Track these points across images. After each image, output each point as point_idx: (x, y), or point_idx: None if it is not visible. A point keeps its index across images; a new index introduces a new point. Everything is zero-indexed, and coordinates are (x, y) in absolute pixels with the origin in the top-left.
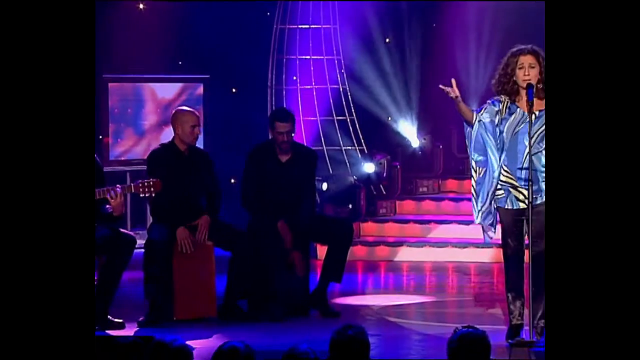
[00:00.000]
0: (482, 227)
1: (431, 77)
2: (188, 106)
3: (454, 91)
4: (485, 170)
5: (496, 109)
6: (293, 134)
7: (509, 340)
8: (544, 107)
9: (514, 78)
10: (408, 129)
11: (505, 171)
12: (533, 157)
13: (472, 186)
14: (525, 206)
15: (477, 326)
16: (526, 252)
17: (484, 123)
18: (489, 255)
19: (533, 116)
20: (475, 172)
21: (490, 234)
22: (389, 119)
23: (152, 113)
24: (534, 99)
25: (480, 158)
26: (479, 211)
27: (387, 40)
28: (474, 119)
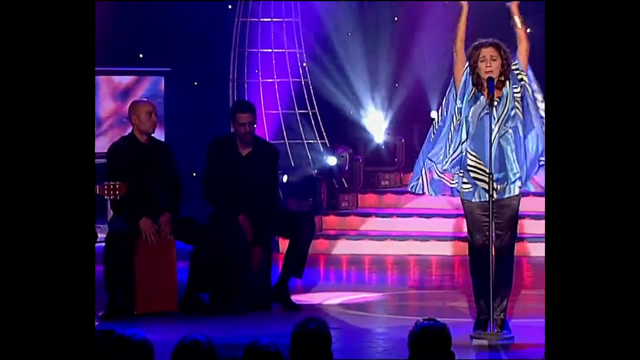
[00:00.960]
0: (424, 179)
1: (393, 70)
2: (149, 99)
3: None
4: (461, 125)
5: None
6: (255, 125)
7: (473, 333)
8: (502, 94)
9: (477, 70)
10: (373, 124)
11: (474, 156)
12: (500, 140)
13: (450, 131)
14: (493, 199)
15: (438, 319)
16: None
17: (468, 76)
18: (450, 248)
19: (495, 102)
20: (456, 119)
21: (426, 189)
22: (351, 112)
23: (113, 107)
24: (494, 89)
25: (462, 106)
26: (450, 158)
27: (349, 33)
28: (460, 54)
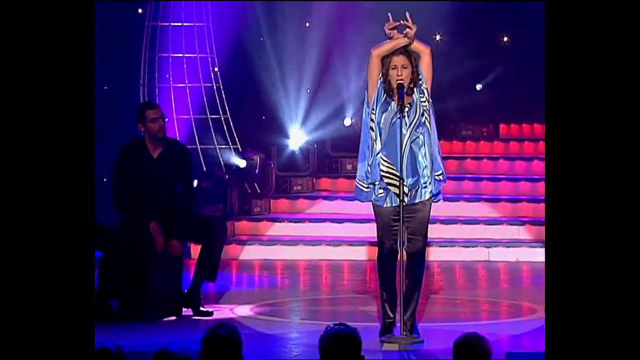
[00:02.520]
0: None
1: (306, 75)
2: None
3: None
4: (376, 133)
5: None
6: (166, 119)
7: (382, 338)
8: (412, 100)
9: (388, 78)
10: (286, 129)
11: (386, 162)
12: (412, 145)
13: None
14: (405, 203)
15: (350, 323)
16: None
17: (381, 86)
18: (362, 253)
19: (406, 108)
20: (373, 130)
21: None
22: (264, 117)
23: None
24: (405, 96)
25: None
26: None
27: (261, 38)
28: (375, 61)
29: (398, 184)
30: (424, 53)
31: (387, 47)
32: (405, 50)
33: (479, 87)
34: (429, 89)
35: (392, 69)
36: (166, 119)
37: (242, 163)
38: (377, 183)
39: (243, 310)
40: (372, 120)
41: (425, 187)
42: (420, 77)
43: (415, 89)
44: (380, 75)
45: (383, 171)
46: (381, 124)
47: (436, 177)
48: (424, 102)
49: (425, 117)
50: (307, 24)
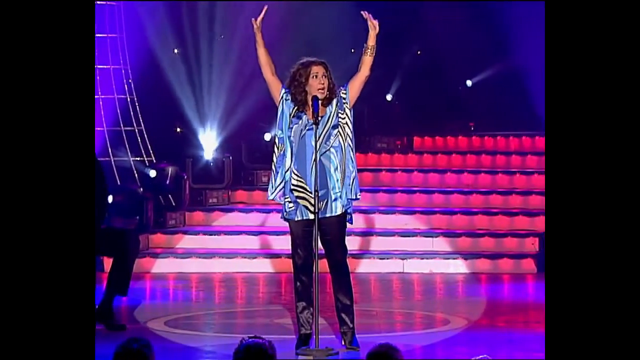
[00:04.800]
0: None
1: (223, 86)
2: None
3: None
4: (285, 149)
5: (290, 109)
6: None
7: (297, 350)
8: (325, 113)
9: (306, 88)
10: (201, 141)
11: (297, 175)
12: (322, 158)
13: (273, 162)
14: (317, 218)
15: (265, 336)
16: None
17: (284, 103)
18: (278, 266)
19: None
20: (278, 148)
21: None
22: (178, 130)
23: None
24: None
25: (282, 135)
26: (275, 187)
27: (176, 51)
28: (271, 79)
29: (308, 197)
30: (364, 72)
31: (259, 50)
32: (322, 61)
33: (389, 97)
34: (351, 110)
35: (313, 77)
36: None
37: (152, 173)
38: (287, 197)
39: (157, 324)
40: (281, 135)
41: (335, 200)
42: (346, 96)
43: (333, 101)
44: (283, 91)
45: (293, 185)
46: (291, 137)
47: (358, 197)
48: (343, 119)
49: (339, 131)
50: (222, 36)
